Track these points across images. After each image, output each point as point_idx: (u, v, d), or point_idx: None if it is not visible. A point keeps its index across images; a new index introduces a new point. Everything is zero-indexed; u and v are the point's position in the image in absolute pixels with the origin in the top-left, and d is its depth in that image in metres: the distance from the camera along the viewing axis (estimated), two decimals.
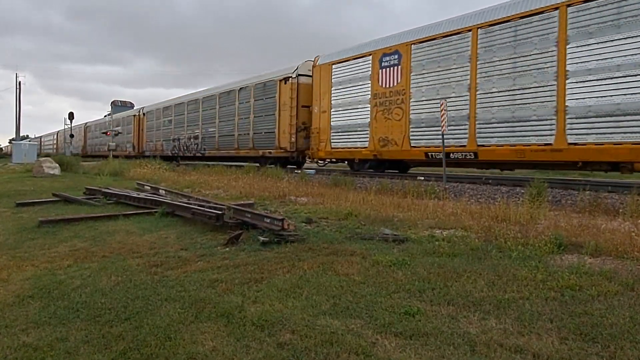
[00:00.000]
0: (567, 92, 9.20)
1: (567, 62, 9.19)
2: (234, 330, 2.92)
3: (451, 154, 11.20)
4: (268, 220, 5.69)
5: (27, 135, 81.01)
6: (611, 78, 8.57)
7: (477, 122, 10.83)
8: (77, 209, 8.49)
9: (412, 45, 12.54)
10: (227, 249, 5.16)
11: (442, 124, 10.07)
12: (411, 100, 12.48)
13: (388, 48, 13.29)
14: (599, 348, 2.57)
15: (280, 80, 17.59)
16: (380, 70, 13.45)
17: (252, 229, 5.86)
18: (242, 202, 8.25)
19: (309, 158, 17.24)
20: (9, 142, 64.96)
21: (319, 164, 17.67)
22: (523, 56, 9.95)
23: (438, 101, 10.98)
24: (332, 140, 15.26)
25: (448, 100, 10.97)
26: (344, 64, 14.85)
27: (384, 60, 13.37)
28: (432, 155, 12.02)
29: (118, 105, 40.56)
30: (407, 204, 7.62)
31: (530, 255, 4.40)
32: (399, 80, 12.87)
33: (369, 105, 13.82)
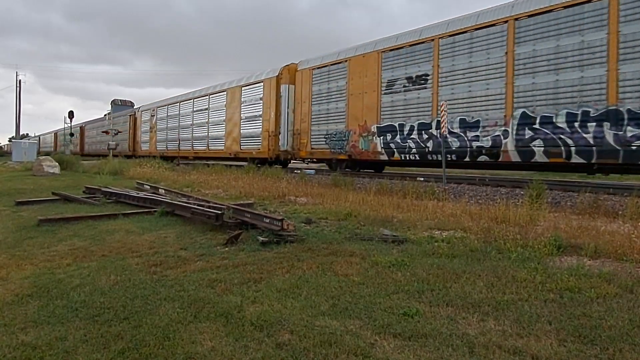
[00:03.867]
0: None
1: None
2: (232, 330, 2.91)
3: None
4: (267, 220, 5.68)
5: (27, 134, 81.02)
6: None
7: None
8: (77, 208, 8.48)
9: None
10: (227, 248, 5.16)
11: (443, 126, 10.07)
12: None
13: None
14: (598, 350, 2.57)
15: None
16: None
17: (251, 229, 5.86)
18: (242, 202, 8.26)
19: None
20: (9, 141, 64.94)
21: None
22: None
23: None
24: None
25: None
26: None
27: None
28: None
29: (118, 105, 40.52)
30: (407, 205, 7.62)
31: (530, 257, 4.41)
32: None
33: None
